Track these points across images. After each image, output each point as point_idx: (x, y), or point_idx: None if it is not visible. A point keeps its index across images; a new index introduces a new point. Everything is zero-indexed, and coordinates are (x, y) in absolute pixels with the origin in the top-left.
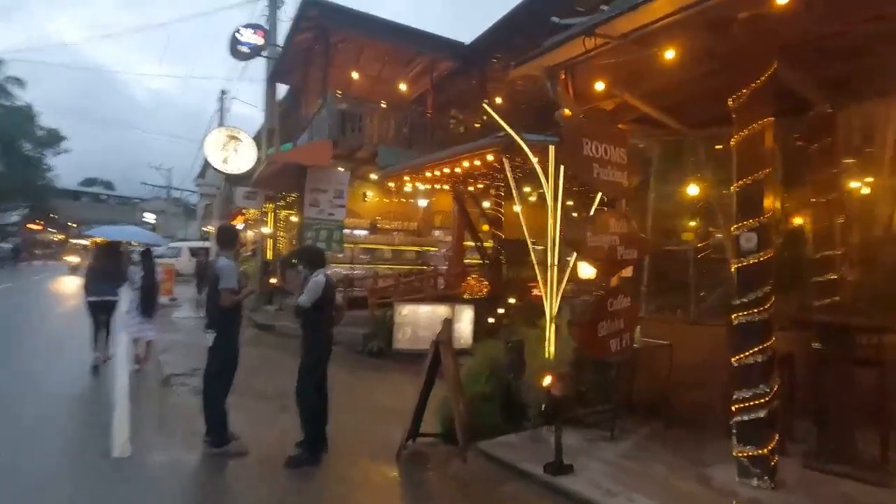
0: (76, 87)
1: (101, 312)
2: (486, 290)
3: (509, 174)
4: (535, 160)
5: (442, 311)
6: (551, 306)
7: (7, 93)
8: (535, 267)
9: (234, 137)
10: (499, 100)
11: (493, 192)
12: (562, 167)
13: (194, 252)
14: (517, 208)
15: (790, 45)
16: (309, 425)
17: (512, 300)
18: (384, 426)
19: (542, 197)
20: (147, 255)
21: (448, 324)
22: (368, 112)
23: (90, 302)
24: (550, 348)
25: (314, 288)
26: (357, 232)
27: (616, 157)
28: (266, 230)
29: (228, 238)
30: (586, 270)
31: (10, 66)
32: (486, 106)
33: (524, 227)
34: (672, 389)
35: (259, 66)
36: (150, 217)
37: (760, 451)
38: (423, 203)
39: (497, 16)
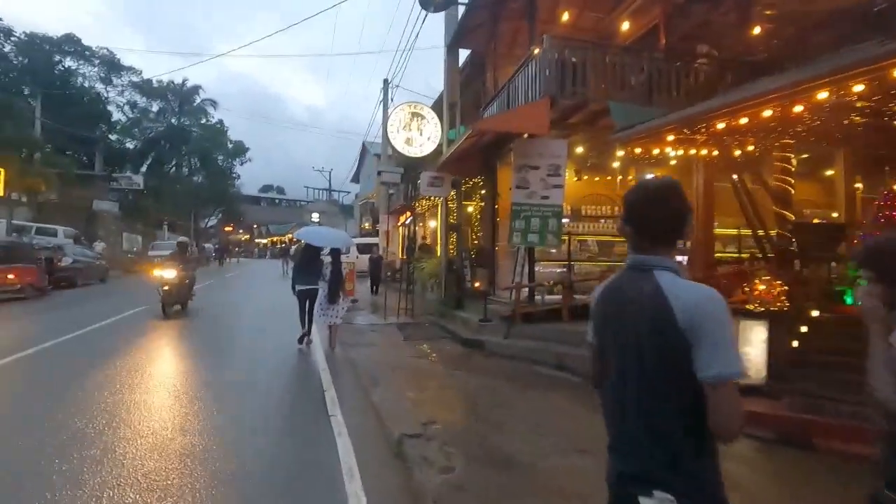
0: (250, 108)
1: (305, 298)
2: (782, 297)
3: None
4: None
5: None
6: None
7: (205, 112)
8: None
9: (417, 115)
10: (757, 29)
11: (776, 155)
12: None
13: (364, 248)
14: None
15: None
16: None
17: (815, 312)
18: None
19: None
20: (336, 253)
21: None
22: (592, 59)
23: (299, 290)
24: None
25: None
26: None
27: None
28: (433, 224)
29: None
30: None
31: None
32: None
33: None
34: None
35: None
36: (315, 217)
37: None
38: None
39: None
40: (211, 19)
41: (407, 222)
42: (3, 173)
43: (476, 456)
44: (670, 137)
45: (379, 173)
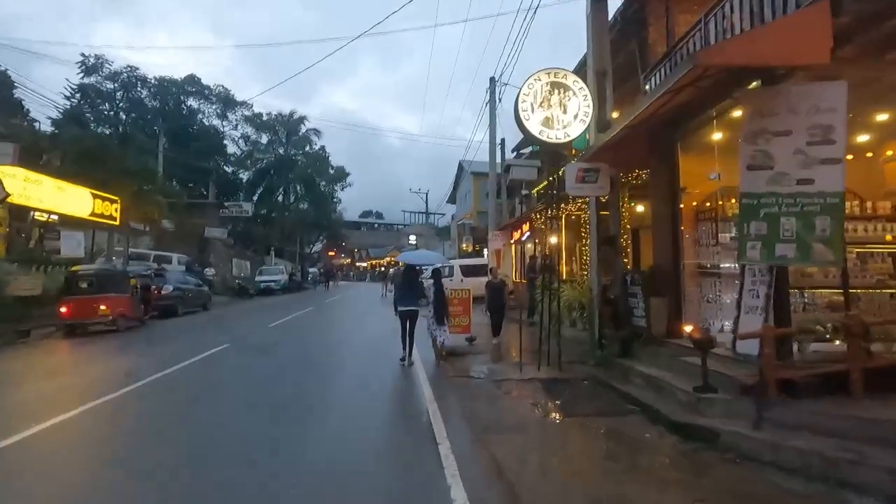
0: (351, 139)
1: (406, 318)
2: None
3: None
4: None
5: None
6: None
7: (309, 141)
8: None
9: (559, 85)
10: None
11: None
12: None
13: (469, 270)
14: None
15: None
16: None
17: None
18: None
19: None
20: (437, 274)
21: None
22: None
23: (401, 311)
24: None
25: None
26: None
27: None
28: (553, 239)
29: None
30: None
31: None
32: None
33: None
34: None
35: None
36: (412, 239)
37: None
38: None
39: None
40: (316, 71)
41: (523, 238)
42: (119, 202)
43: None
44: None
45: (508, 169)
